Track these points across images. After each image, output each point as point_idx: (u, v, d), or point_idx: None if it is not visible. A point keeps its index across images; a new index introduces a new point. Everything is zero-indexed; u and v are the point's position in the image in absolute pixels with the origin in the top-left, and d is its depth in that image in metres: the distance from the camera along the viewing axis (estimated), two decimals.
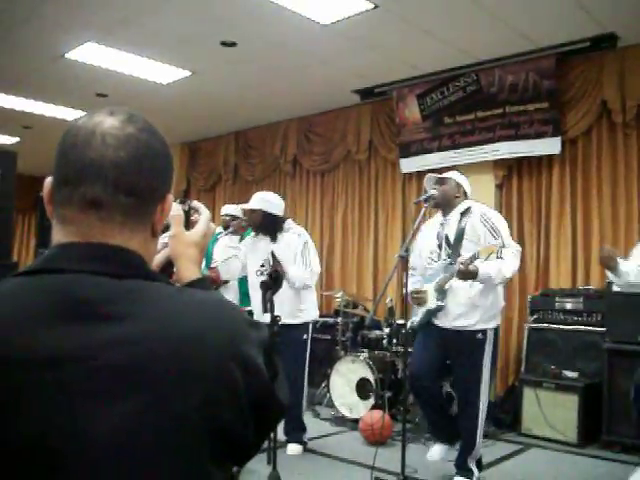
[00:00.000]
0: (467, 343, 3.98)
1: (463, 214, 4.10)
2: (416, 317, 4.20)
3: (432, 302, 4.07)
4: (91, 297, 0.86)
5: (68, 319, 0.84)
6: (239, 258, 4.78)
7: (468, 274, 3.75)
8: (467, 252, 3.87)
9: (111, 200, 0.92)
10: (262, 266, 4.76)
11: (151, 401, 0.82)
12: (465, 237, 4.01)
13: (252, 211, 4.72)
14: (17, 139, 9.48)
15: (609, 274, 3.64)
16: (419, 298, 4.09)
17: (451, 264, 3.97)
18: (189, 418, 0.83)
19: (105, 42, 5.73)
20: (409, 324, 4.33)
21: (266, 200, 4.75)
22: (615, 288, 4.99)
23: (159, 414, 0.82)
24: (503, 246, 3.92)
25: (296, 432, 4.79)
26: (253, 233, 4.88)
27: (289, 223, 4.84)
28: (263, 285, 4.09)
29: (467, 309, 3.97)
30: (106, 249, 0.92)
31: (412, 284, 4.19)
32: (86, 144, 0.92)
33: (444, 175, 4.25)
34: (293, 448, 4.75)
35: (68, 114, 7.94)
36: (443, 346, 4.07)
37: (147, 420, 0.81)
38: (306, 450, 4.85)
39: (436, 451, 4.26)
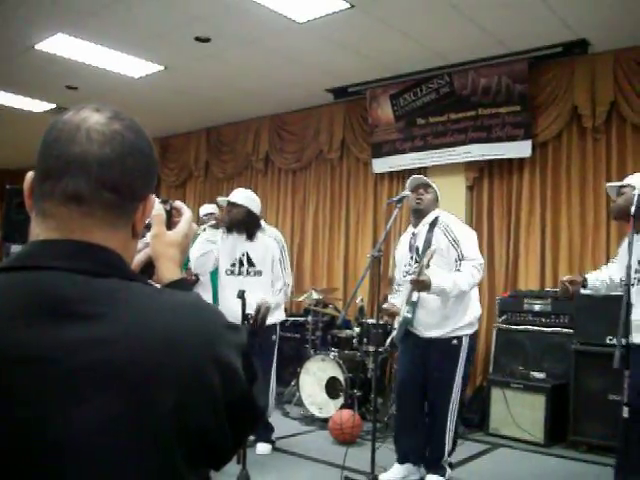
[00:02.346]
0: (442, 350, 4.03)
1: (432, 224, 4.14)
2: (395, 332, 4.26)
3: (402, 314, 4.13)
4: (68, 296, 0.84)
5: (44, 318, 0.82)
6: (214, 253, 4.72)
7: (420, 284, 3.78)
8: (433, 263, 3.89)
9: (93, 195, 0.91)
10: (233, 265, 4.72)
11: (125, 402, 0.80)
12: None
13: (235, 206, 4.66)
14: None
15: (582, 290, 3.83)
16: (388, 310, 4.22)
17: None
18: (163, 420, 0.82)
19: (76, 34, 5.64)
20: (389, 341, 4.42)
21: (251, 198, 4.73)
22: (583, 291, 5.07)
23: (133, 415, 0.81)
24: (462, 258, 3.97)
25: (264, 432, 4.77)
26: (224, 229, 4.79)
27: (264, 224, 4.85)
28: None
29: (439, 320, 4.04)
30: (85, 247, 0.90)
31: (394, 300, 4.30)
32: (70, 139, 0.91)
33: (430, 182, 4.24)
34: (262, 448, 4.73)
35: (37, 106, 7.82)
36: (420, 355, 4.09)
37: (121, 421, 0.80)
38: (275, 449, 4.83)
39: (394, 475, 4.17)
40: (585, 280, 3.79)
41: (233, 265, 4.72)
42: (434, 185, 4.27)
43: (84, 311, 0.83)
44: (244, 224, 4.68)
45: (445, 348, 4.02)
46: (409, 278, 4.06)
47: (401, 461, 4.19)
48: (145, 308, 0.88)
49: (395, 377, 4.30)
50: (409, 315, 4.04)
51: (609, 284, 3.80)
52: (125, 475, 0.80)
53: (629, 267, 3.31)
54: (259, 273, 4.68)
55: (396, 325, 4.26)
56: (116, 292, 0.87)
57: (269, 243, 4.73)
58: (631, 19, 5.03)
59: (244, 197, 4.70)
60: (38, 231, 0.92)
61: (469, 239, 4.09)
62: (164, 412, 0.82)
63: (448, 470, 4.10)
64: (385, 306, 4.30)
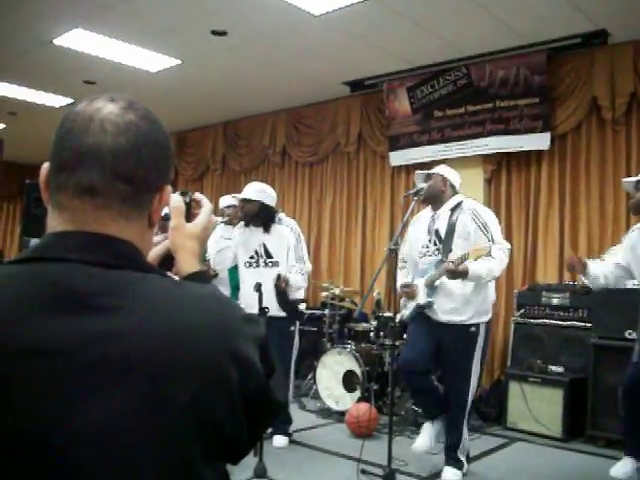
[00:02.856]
0: (460, 336, 4.03)
1: (454, 209, 4.12)
2: (406, 310, 4.23)
3: (422, 298, 4.11)
4: (83, 288, 0.84)
5: (59, 310, 0.82)
6: (231, 249, 4.79)
7: (458, 274, 3.79)
8: (458, 248, 3.92)
9: (108, 187, 0.90)
10: (251, 258, 4.76)
11: (141, 396, 0.80)
12: (456, 233, 4.04)
13: (248, 201, 4.69)
14: (2, 125, 9.37)
15: (582, 277, 3.87)
16: (408, 292, 4.16)
17: (442, 261, 4.00)
18: (180, 414, 0.82)
19: (94, 28, 5.66)
20: (398, 317, 4.36)
21: (263, 191, 4.75)
22: (582, 278, 5.04)
23: (149, 409, 0.80)
24: (493, 243, 3.94)
25: (282, 424, 4.77)
26: (242, 223, 4.85)
27: (280, 215, 4.86)
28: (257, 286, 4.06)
29: (459, 305, 4.02)
30: (100, 239, 0.90)
31: (401, 277, 4.25)
32: (84, 130, 0.90)
33: (431, 171, 4.27)
34: (279, 440, 4.73)
35: (55, 101, 7.87)
36: (435, 337, 4.09)
37: (137, 415, 0.80)
38: (292, 442, 4.84)
39: (423, 440, 4.18)
40: (586, 265, 3.76)
41: (251, 257, 4.77)
42: (437, 170, 4.26)
43: (98, 303, 0.83)
44: (259, 217, 4.71)
45: (462, 333, 4.02)
46: (427, 260, 4.11)
47: (431, 418, 4.23)
48: (161, 301, 0.87)
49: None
50: (431, 299, 4.05)
51: (608, 277, 3.79)
52: (141, 469, 0.80)
53: None
54: (276, 264, 4.69)
55: (408, 306, 4.20)
56: (131, 284, 0.87)
57: (285, 233, 4.75)
58: None
59: (256, 191, 4.72)
60: (54, 224, 0.92)
61: (496, 225, 4.11)
62: (180, 406, 0.82)
63: (465, 464, 4.10)
64: (405, 289, 4.18)
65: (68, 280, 0.84)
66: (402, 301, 4.32)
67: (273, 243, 4.73)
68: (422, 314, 4.13)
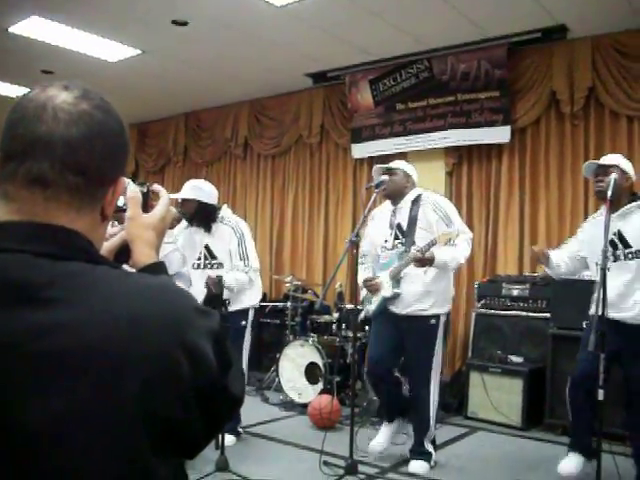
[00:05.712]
0: (420, 328, 4.10)
1: (414, 202, 4.17)
2: (371, 305, 4.26)
3: (387, 290, 4.14)
4: (30, 279, 0.82)
5: (5, 302, 0.80)
6: (179, 251, 4.64)
7: (425, 261, 3.90)
8: (421, 240, 4.00)
9: (58, 178, 0.88)
10: (198, 259, 4.62)
11: (91, 388, 0.79)
12: (417, 225, 4.11)
13: (185, 200, 4.51)
14: None
15: (544, 267, 3.99)
16: (372, 286, 4.18)
17: (405, 252, 4.07)
18: (129, 407, 0.80)
19: (51, 16, 5.53)
20: (363, 313, 4.40)
21: (199, 188, 4.54)
22: (545, 268, 5.13)
23: (100, 400, 0.79)
24: (457, 233, 4.03)
25: (230, 422, 4.60)
26: (183, 225, 4.67)
27: (224, 211, 4.68)
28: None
29: (421, 295, 4.09)
30: (49, 229, 0.87)
31: (362, 273, 4.29)
32: (36, 118, 0.88)
33: (392, 165, 4.30)
34: (227, 439, 4.42)
35: (11, 90, 7.68)
36: (398, 331, 4.15)
37: (84, 407, 0.78)
38: (254, 435, 4.83)
39: (380, 442, 4.30)
40: (548, 256, 3.87)
41: (198, 259, 4.64)
42: (399, 164, 4.31)
43: (47, 295, 0.81)
44: (197, 217, 4.56)
45: (423, 326, 4.10)
46: (389, 254, 4.15)
47: (390, 419, 4.35)
48: (110, 292, 0.86)
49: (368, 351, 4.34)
50: (397, 290, 4.10)
51: (568, 264, 3.91)
52: (92, 461, 0.79)
53: (605, 251, 3.34)
54: (221, 265, 4.58)
55: (372, 301, 4.24)
56: (80, 276, 0.85)
57: (227, 233, 4.58)
58: (609, 5, 5.04)
59: (191, 189, 4.52)
60: (1, 214, 0.89)
61: (456, 214, 4.22)
62: (129, 398, 0.80)
63: (433, 454, 4.16)
64: (368, 283, 4.21)
65: (15, 271, 0.83)
66: (365, 295, 4.34)
67: (215, 244, 4.58)
68: (385, 309, 4.16)
